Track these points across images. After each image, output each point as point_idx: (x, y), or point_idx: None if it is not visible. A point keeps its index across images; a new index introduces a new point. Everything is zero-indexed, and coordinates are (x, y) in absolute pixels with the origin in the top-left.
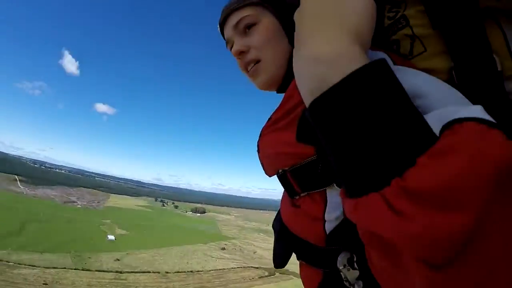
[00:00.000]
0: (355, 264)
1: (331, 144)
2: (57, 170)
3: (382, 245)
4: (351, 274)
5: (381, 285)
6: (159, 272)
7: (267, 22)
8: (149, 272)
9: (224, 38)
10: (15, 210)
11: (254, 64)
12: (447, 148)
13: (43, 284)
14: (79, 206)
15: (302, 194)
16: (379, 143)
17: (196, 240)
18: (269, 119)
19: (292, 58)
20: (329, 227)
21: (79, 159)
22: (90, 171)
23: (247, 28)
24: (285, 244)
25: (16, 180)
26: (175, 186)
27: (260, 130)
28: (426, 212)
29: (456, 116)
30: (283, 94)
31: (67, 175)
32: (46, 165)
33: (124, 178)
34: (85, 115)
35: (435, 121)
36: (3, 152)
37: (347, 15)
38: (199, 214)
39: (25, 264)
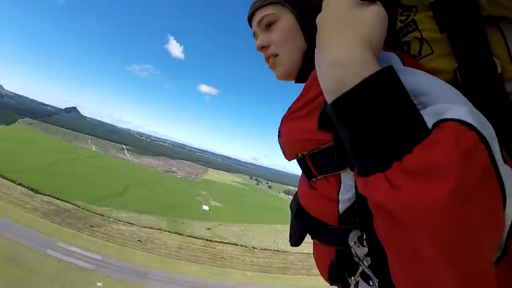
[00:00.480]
0: (364, 241)
1: (347, 134)
2: (161, 143)
3: (385, 213)
4: (360, 251)
5: (386, 247)
6: (246, 247)
7: (285, 21)
8: (236, 244)
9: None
10: (121, 175)
11: (274, 58)
12: (434, 141)
13: (138, 240)
14: (178, 176)
15: (318, 177)
16: (384, 134)
17: (286, 221)
18: (289, 107)
19: (306, 53)
20: (342, 207)
21: (181, 134)
22: (191, 145)
23: (269, 25)
24: (301, 224)
25: (123, 149)
26: (270, 167)
27: (281, 118)
28: (413, 183)
29: (444, 117)
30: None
31: (169, 147)
32: (151, 138)
33: (222, 155)
34: (189, 94)
35: (430, 117)
36: (113, 125)
37: (362, 26)
38: (291, 196)
39: (123, 222)
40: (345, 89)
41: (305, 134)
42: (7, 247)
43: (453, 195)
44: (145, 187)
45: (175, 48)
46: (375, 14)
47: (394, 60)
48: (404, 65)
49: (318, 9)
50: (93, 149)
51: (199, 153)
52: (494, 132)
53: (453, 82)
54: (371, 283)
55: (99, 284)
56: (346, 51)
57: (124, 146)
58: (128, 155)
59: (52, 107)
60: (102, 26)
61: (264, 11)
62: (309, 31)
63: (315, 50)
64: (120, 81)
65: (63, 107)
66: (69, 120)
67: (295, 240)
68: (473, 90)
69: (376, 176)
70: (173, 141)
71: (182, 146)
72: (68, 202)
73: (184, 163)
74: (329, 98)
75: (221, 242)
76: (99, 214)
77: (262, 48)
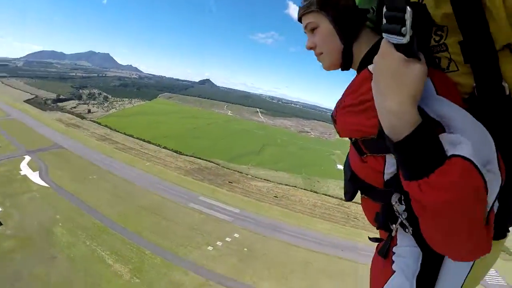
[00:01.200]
0: (402, 201)
1: (399, 158)
2: (292, 105)
3: (416, 201)
4: (399, 208)
5: (416, 214)
6: None
7: (323, 27)
8: None
9: None
10: (257, 135)
11: (319, 55)
12: (446, 170)
13: (274, 196)
14: (312, 136)
15: (368, 154)
16: (421, 162)
17: None
18: (344, 100)
19: (344, 51)
20: (386, 177)
21: (312, 96)
22: (323, 107)
23: (312, 29)
24: (354, 185)
25: (257, 112)
26: None
27: (336, 105)
28: (430, 191)
29: (456, 152)
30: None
31: (300, 109)
32: (282, 100)
33: None
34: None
35: (448, 145)
36: (246, 91)
37: (410, 83)
38: None
39: (260, 178)
40: (398, 137)
41: (359, 127)
42: (155, 201)
43: (447, 201)
44: (280, 147)
45: (295, 11)
46: (420, 71)
47: (429, 86)
48: (435, 87)
49: (349, 13)
50: (229, 114)
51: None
52: (492, 148)
53: (472, 95)
54: (406, 230)
55: (236, 235)
56: (399, 106)
57: (257, 109)
58: (262, 117)
59: (187, 81)
60: (222, 4)
61: (307, 19)
62: (343, 34)
63: (375, 92)
64: (247, 51)
65: (197, 80)
66: (204, 90)
67: (349, 196)
68: (486, 108)
69: (413, 182)
70: (304, 103)
71: (314, 107)
72: (208, 161)
73: (316, 123)
74: (387, 134)
75: (355, 203)
76: (238, 171)
77: (310, 48)
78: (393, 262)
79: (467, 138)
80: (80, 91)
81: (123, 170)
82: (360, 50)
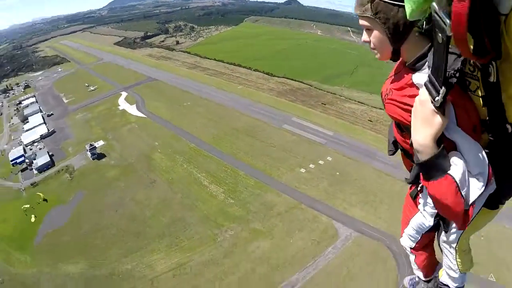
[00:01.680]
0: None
1: (418, 167)
2: None
3: (427, 190)
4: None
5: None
6: None
7: (376, 32)
8: None
9: None
10: (349, 55)
11: (373, 49)
12: (441, 181)
13: (368, 120)
14: None
15: (405, 132)
16: (433, 172)
17: None
18: (391, 91)
19: (393, 51)
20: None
21: None
22: None
23: (368, 29)
24: (395, 146)
25: (348, 31)
26: None
27: (384, 92)
28: (431, 189)
29: (450, 172)
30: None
31: None
32: None
33: None
34: None
35: (451, 165)
36: (335, 10)
37: (435, 126)
38: None
39: (354, 100)
40: (419, 158)
41: (401, 118)
42: (249, 123)
43: (437, 198)
44: (374, 68)
45: None
46: (442, 122)
47: (452, 118)
48: (456, 117)
49: (399, 23)
50: (318, 33)
51: None
52: (485, 164)
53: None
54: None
55: (328, 158)
56: (423, 140)
57: (349, 29)
58: (353, 37)
59: (272, 3)
60: None
61: (363, 20)
62: (393, 40)
63: (412, 124)
64: None
65: (282, 1)
66: (290, 11)
67: (392, 153)
68: (493, 135)
69: (427, 181)
70: None
71: None
72: (301, 82)
73: None
74: (414, 152)
75: None
76: (331, 93)
77: (365, 42)
78: (418, 203)
79: (466, 159)
80: (166, 25)
81: (215, 95)
82: (408, 49)
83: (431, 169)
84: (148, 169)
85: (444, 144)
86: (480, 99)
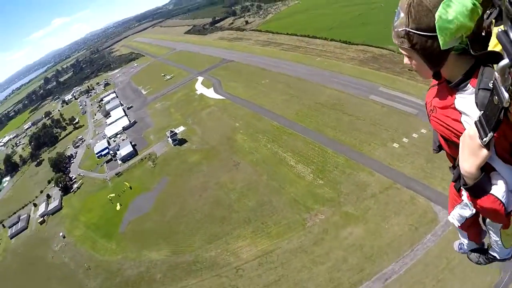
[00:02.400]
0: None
1: (467, 188)
2: None
3: (473, 203)
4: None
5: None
6: None
7: (416, 59)
8: None
9: None
10: None
11: (415, 71)
12: (486, 198)
13: None
14: None
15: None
16: (478, 192)
17: None
18: (436, 109)
19: (434, 73)
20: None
21: None
22: None
23: (408, 56)
24: (439, 149)
25: None
26: None
27: (428, 107)
28: (479, 205)
29: (493, 192)
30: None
31: None
32: None
33: None
34: None
35: (493, 185)
36: None
37: (480, 158)
38: None
39: None
40: (465, 182)
41: (445, 134)
42: (333, 96)
43: (483, 212)
44: None
45: None
46: (486, 155)
47: (493, 150)
48: (496, 149)
49: (434, 51)
50: None
51: None
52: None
53: None
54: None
55: (423, 131)
56: (469, 168)
57: None
58: None
59: None
60: None
61: (402, 50)
62: (432, 65)
63: (460, 153)
64: None
65: None
66: None
67: (436, 152)
68: None
69: (474, 199)
70: None
71: None
72: (382, 48)
73: None
74: (462, 177)
75: None
76: None
77: (407, 64)
78: (461, 195)
79: (504, 181)
80: (233, 8)
81: (294, 69)
82: (448, 69)
83: (476, 190)
84: (231, 151)
85: (486, 167)
86: None
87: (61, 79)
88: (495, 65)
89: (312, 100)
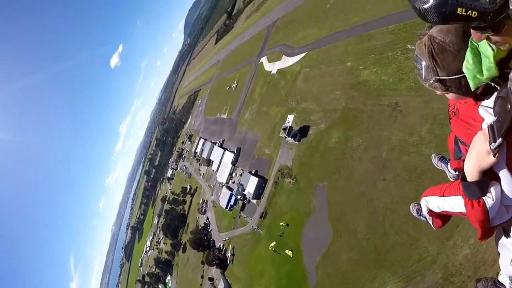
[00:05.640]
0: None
1: (461, 185)
2: None
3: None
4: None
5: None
6: None
7: (450, 95)
8: None
9: None
10: None
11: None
12: (476, 203)
13: None
14: None
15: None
16: (473, 193)
17: None
18: (458, 112)
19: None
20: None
21: None
22: None
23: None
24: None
25: None
26: None
27: (451, 109)
28: (469, 210)
29: (485, 199)
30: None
31: None
32: None
33: None
34: None
35: (488, 191)
36: None
37: (483, 162)
38: None
39: None
40: (466, 177)
41: (462, 138)
42: None
43: (470, 215)
44: None
45: None
46: (491, 161)
47: (503, 157)
48: (507, 152)
49: (468, 87)
50: None
51: None
52: (498, 200)
53: None
54: None
55: None
56: (472, 170)
57: None
58: None
59: None
60: None
61: (435, 91)
62: (467, 95)
63: (468, 153)
64: None
65: None
66: None
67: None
68: None
69: (466, 198)
70: None
71: None
72: None
73: None
74: (464, 173)
75: None
76: None
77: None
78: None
79: (499, 194)
80: None
81: None
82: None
83: (470, 190)
84: (371, 97)
85: (490, 174)
86: None
87: (156, 163)
88: None
89: None
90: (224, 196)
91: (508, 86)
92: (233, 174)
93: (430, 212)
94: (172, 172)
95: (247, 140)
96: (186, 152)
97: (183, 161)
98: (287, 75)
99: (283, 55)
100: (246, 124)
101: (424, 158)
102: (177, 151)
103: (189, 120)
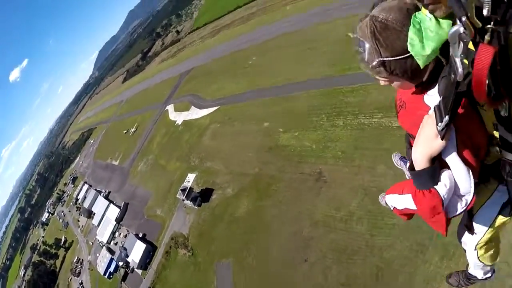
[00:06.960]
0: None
1: (411, 174)
2: None
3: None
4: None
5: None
6: None
7: (396, 82)
8: None
9: None
10: None
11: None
12: (427, 193)
13: None
14: None
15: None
16: (424, 182)
17: None
18: (405, 105)
19: (415, 87)
20: None
21: None
22: None
23: (386, 80)
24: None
25: None
26: None
27: (398, 103)
28: (418, 199)
29: (437, 188)
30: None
31: None
32: None
33: None
34: None
35: (439, 181)
36: None
37: (432, 147)
38: None
39: None
40: (413, 167)
41: (411, 131)
42: (349, 24)
43: (421, 206)
44: None
45: None
46: (440, 146)
47: (452, 139)
48: (457, 139)
49: (416, 69)
50: None
51: None
52: (470, 184)
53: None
54: None
55: None
56: (419, 155)
57: None
58: None
59: None
60: None
61: (379, 77)
62: (414, 80)
63: (415, 139)
64: None
65: None
66: None
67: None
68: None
69: (415, 189)
70: None
71: None
72: None
73: None
74: (410, 162)
75: None
76: None
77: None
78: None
79: (452, 181)
80: (153, 33)
81: (272, 30)
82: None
83: (420, 179)
84: (291, 163)
85: (439, 162)
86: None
87: (32, 201)
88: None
89: (327, 40)
90: (103, 260)
91: (451, 53)
92: (116, 234)
93: (395, 209)
94: (48, 216)
95: (137, 195)
96: (67, 196)
97: (62, 205)
98: (194, 128)
99: (192, 106)
100: (139, 176)
101: (355, 235)
102: (57, 193)
103: (77, 160)
